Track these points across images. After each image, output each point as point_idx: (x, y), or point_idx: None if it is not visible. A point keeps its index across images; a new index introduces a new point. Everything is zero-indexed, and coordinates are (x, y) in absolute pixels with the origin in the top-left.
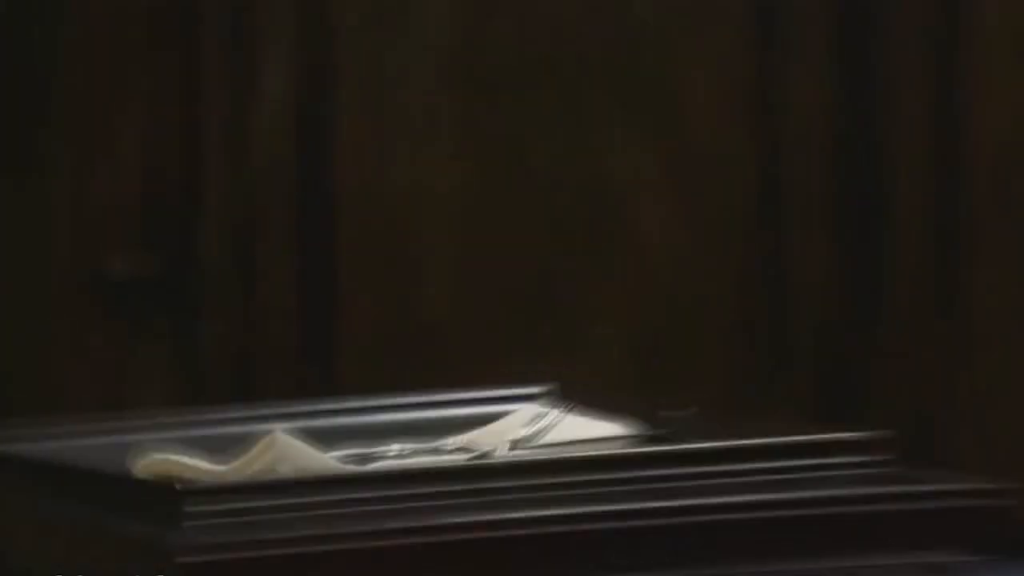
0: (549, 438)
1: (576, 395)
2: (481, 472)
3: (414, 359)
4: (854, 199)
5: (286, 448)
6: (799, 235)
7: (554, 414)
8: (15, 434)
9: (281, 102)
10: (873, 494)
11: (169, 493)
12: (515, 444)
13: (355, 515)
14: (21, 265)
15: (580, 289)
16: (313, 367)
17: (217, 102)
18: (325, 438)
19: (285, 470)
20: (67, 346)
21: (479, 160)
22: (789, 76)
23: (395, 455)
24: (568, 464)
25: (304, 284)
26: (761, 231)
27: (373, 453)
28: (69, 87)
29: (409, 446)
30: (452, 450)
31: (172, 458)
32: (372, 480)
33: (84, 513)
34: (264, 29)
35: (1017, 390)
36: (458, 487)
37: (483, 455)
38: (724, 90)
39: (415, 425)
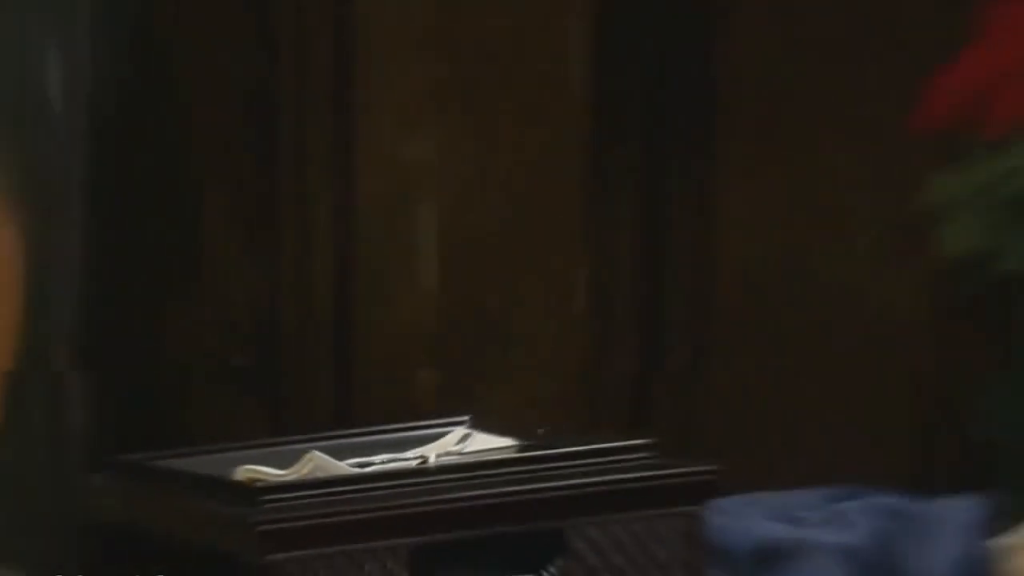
0: (467, 449)
1: (487, 421)
2: (428, 471)
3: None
4: None
5: (320, 461)
6: None
7: (471, 434)
8: (162, 455)
9: None
10: (639, 475)
11: (251, 489)
12: (447, 453)
13: (361, 499)
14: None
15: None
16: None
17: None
18: (340, 454)
19: (320, 474)
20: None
21: None
22: None
23: (381, 463)
24: (472, 464)
25: None
26: None
27: (369, 462)
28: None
29: (389, 457)
30: (413, 459)
31: (253, 468)
32: (370, 478)
33: (202, 502)
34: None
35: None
36: (416, 480)
37: (428, 461)
38: None
39: (393, 444)
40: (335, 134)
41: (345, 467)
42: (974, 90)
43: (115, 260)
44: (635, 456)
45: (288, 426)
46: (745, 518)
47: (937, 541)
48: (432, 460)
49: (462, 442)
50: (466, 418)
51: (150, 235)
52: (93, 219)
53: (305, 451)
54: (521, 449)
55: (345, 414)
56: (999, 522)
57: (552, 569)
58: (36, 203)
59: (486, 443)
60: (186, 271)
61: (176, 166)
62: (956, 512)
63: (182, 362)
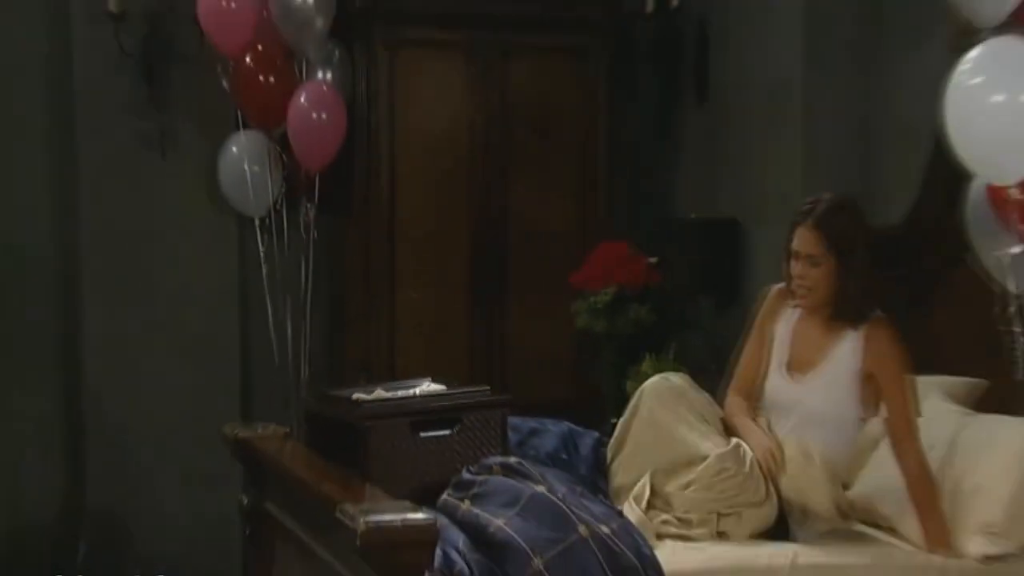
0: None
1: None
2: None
3: None
4: None
5: (381, 389)
6: None
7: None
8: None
9: None
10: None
11: (355, 401)
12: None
13: (398, 401)
14: None
15: None
16: None
17: None
18: (388, 388)
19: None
20: None
21: None
22: None
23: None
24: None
25: None
26: None
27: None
28: None
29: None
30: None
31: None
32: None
33: (345, 405)
34: None
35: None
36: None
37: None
38: None
39: (406, 386)
40: None
41: (385, 392)
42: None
43: None
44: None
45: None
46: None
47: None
48: (419, 390)
49: (433, 387)
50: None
51: None
52: None
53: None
54: (446, 387)
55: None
56: None
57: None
58: None
59: (435, 387)
60: None
61: None
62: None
63: None
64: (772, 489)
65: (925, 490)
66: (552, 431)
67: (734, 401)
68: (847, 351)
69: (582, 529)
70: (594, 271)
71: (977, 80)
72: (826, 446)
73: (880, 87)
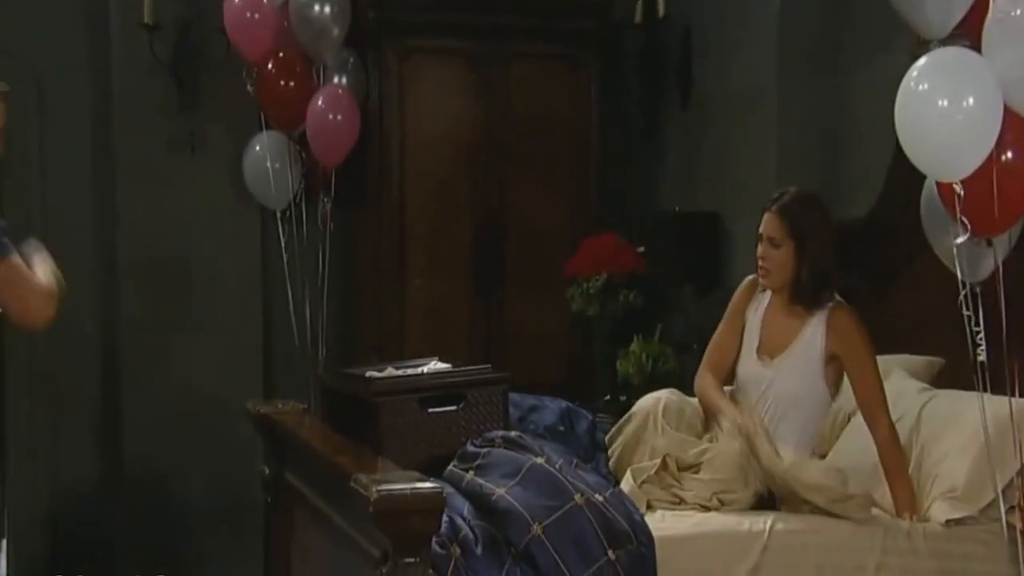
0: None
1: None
2: (431, 375)
3: None
4: None
5: (392, 368)
6: None
7: (437, 363)
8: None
9: None
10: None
11: (368, 379)
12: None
13: (407, 379)
14: None
15: None
16: None
17: None
18: (398, 367)
19: (391, 371)
20: None
21: None
22: None
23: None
24: (436, 374)
25: None
26: None
27: (407, 367)
28: None
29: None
30: (428, 368)
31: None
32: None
33: (358, 381)
34: None
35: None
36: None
37: (428, 371)
38: None
39: (415, 364)
40: None
41: (395, 371)
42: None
43: None
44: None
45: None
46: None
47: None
48: (427, 369)
49: (440, 365)
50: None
51: None
52: None
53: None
54: (452, 366)
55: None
56: None
57: (461, 402)
58: None
59: (441, 366)
60: None
61: None
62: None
63: None
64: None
65: (895, 459)
66: (551, 407)
67: (705, 377)
68: (812, 334)
69: (577, 497)
70: (586, 260)
71: (925, 86)
72: (801, 424)
73: (846, 93)
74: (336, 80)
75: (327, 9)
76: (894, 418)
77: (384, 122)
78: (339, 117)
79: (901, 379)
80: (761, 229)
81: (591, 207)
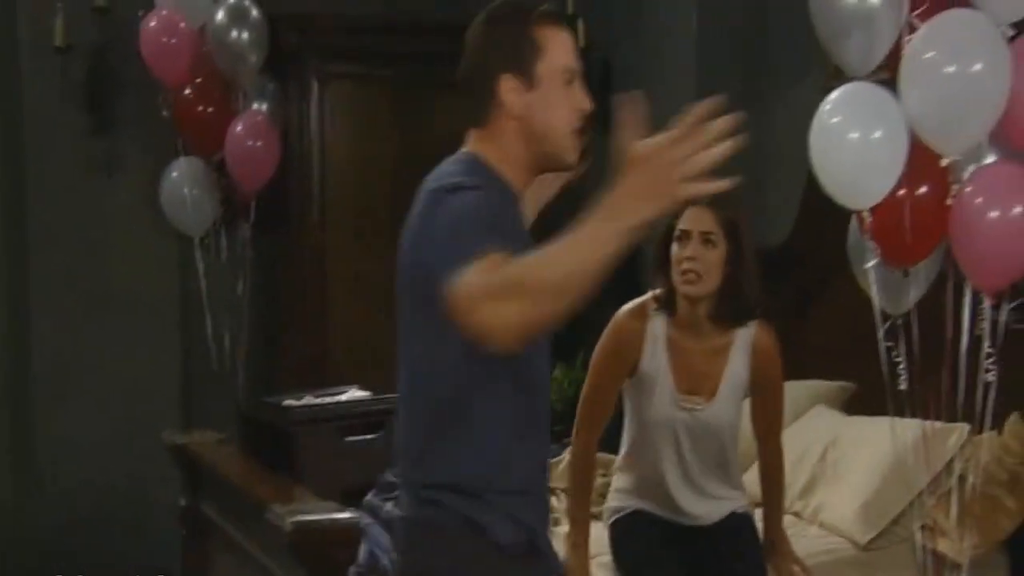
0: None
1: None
2: (350, 403)
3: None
4: None
5: (310, 395)
6: None
7: (357, 391)
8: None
9: None
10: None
11: (285, 408)
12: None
13: (325, 407)
14: None
15: None
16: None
17: None
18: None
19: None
20: None
21: None
22: None
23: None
24: (355, 402)
25: None
26: None
27: (327, 394)
28: None
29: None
30: (347, 396)
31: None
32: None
33: (275, 411)
34: None
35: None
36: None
37: (346, 399)
38: None
39: (334, 392)
40: None
41: (314, 399)
42: None
43: None
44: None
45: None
46: None
47: None
48: (346, 397)
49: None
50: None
51: None
52: None
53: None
54: (373, 393)
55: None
56: None
57: (381, 431)
58: None
59: (361, 393)
60: None
61: None
62: None
63: None
64: None
65: (783, 482)
66: None
67: (587, 444)
68: (738, 359)
69: None
70: None
71: (836, 119)
72: (734, 455)
73: (763, 124)
74: (256, 106)
75: (245, 34)
76: (806, 443)
77: (305, 149)
78: (259, 143)
79: (815, 404)
80: (686, 225)
81: None
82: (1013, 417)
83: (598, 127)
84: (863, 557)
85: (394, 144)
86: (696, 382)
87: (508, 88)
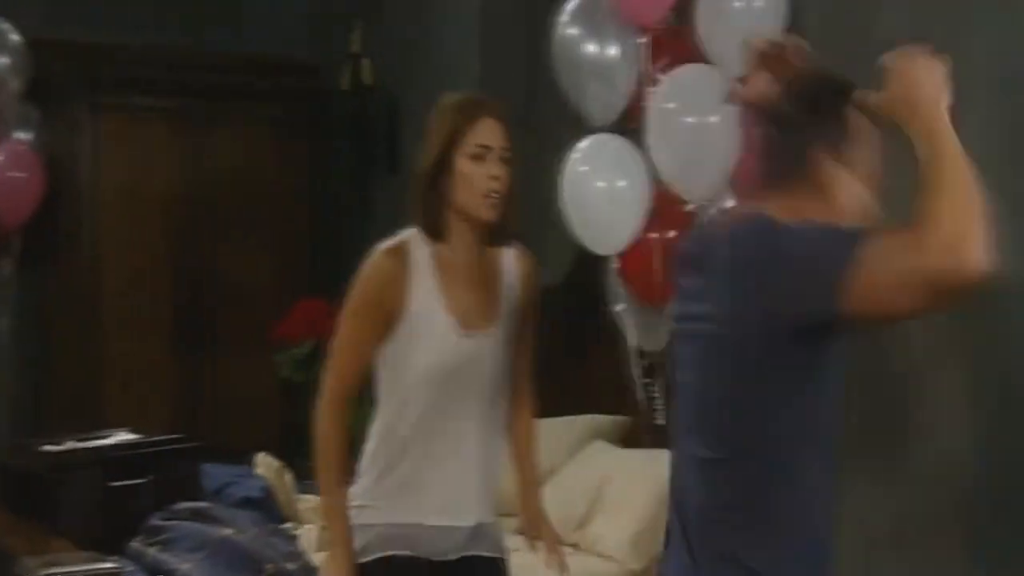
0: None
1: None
2: (114, 446)
3: None
4: None
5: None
6: None
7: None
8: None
9: None
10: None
11: (43, 453)
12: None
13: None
14: None
15: None
16: None
17: None
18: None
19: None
20: None
21: None
22: None
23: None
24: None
25: None
26: None
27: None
28: None
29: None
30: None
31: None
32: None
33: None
34: None
35: None
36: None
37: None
38: None
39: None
40: None
41: (77, 443)
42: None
43: None
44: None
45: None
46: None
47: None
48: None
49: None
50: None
51: None
52: None
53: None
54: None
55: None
56: None
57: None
58: None
59: (129, 436)
60: None
61: None
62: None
63: None
64: None
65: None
66: (253, 478)
67: (335, 419)
68: (509, 282)
69: (269, 568)
70: (294, 326)
71: (584, 168)
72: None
73: (542, 167)
74: (18, 135)
75: (4, 59)
76: (584, 477)
77: (75, 180)
78: (20, 175)
79: (591, 439)
80: (489, 141)
81: (302, 270)
82: None
83: (385, 161)
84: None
85: (177, 178)
86: (478, 309)
87: None
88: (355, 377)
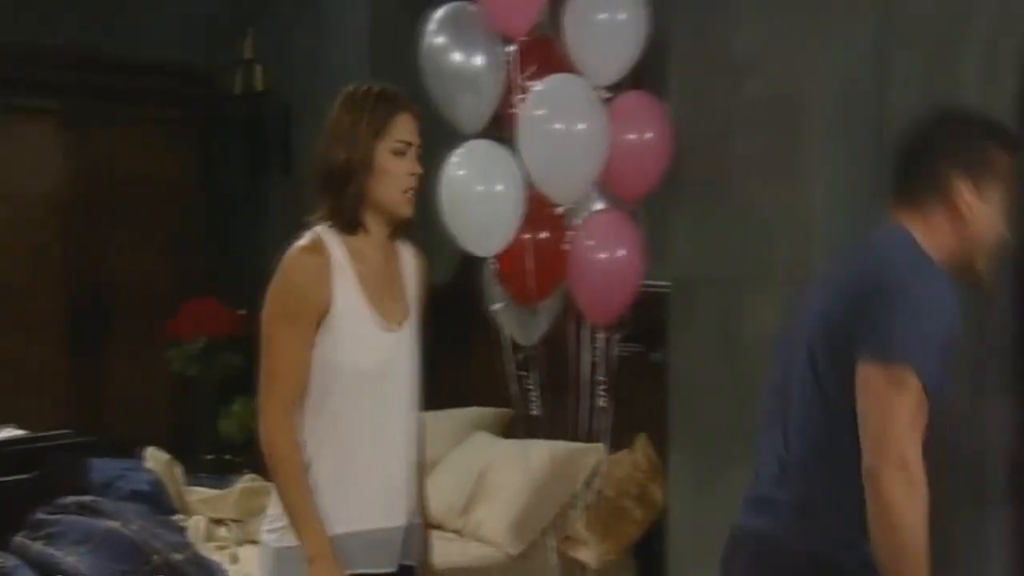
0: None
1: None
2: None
3: None
4: None
5: None
6: None
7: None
8: None
9: None
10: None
11: None
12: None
13: None
14: None
15: None
16: None
17: None
18: None
19: None
20: None
21: None
22: None
23: None
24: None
25: None
26: None
27: None
28: None
29: None
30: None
31: None
32: None
33: None
34: None
35: None
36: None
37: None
38: None
39: None
40: None
41: None
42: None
43: None
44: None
45: None
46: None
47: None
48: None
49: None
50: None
51: None
52: None
53: None
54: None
55: None
56: None
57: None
58: None
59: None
60: None
61: None
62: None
63: None
64: None
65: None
66: (143, 472)
67: (287, 433)
68: (411, 274)
69: (156, 559)
70: (186, 322)
71: (461, 172)
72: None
73: (429, 170)
74: None
75: None
76: (467, 466)
77: None
78: None
79: (473, 430)
80: (409, 137)
81: (197, 270)
82: (642, 436)
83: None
84: (514, 566)
85: (69, 179)
86: (391, 307)
87: None
88: (298, 387)
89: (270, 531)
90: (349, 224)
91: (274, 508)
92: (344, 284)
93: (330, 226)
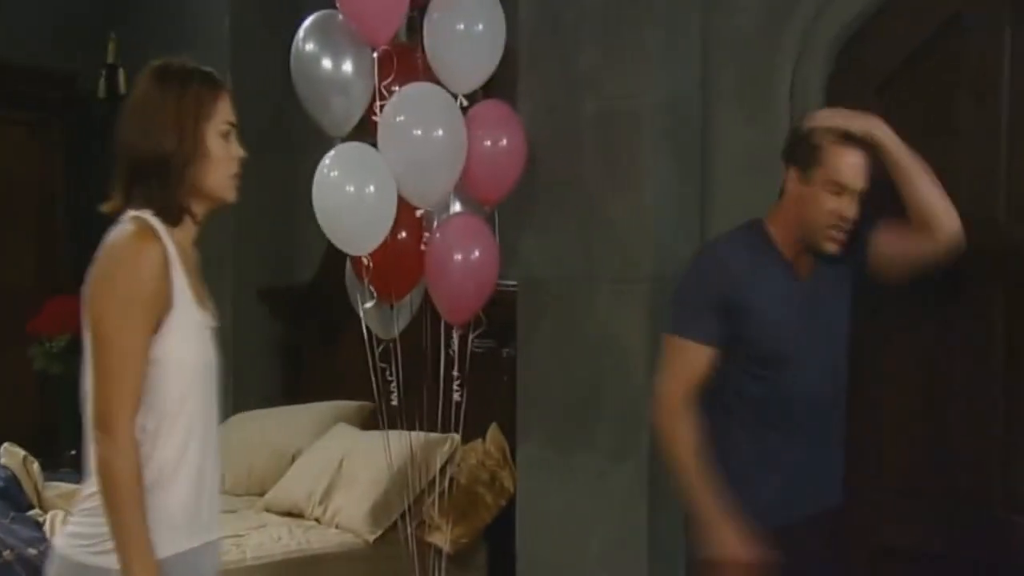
0: None
1: None
2: None
3: None
4: None
5: None
6: None
7: None
8: None
9: None
10: None
11: None
12: None
13: None
14: None
15: None
16: None
17: None
18: None
19: None
20: None
21: None
22: None
23: None
24: None
25: None
26: None
27: None
28: None
29: None
30: None
31: None
32: None
33: None
34: None
35: None
36: None
37: None
38: None
39: None
40: None
41: None
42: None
43: None
44: None
45: None
46: None
47: None
48: None
49: None
50: None
51: None
52: None
53: None
54: None
55: None
56: None
57: None
58: None
59: None
60: None
61: None
62: None
63: None
64: None
65: None
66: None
67: (138, 453)
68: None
69: (7, 554)
70: (49, 320)
71: (334, 174)
72: None
73: (294, 169)
74: None
75: None
76: (326, 456)
77: None
78: None
79: (336, 422)
80: (232, 118)
81: (62, 269)
82: (493, 426)
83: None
84: (370, 551)
85: None
86: (206, 302)
87: None
88: (141, 392)
89: (97, 552)
90: (178, 214)
91: (96, 528)
92: (179, 278)
93: (154, 215)
